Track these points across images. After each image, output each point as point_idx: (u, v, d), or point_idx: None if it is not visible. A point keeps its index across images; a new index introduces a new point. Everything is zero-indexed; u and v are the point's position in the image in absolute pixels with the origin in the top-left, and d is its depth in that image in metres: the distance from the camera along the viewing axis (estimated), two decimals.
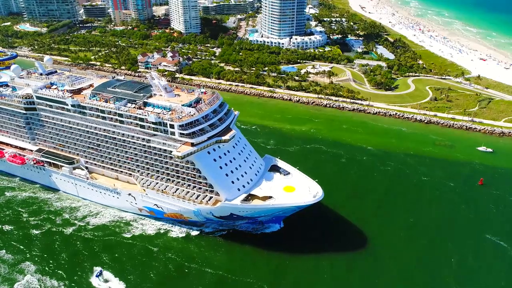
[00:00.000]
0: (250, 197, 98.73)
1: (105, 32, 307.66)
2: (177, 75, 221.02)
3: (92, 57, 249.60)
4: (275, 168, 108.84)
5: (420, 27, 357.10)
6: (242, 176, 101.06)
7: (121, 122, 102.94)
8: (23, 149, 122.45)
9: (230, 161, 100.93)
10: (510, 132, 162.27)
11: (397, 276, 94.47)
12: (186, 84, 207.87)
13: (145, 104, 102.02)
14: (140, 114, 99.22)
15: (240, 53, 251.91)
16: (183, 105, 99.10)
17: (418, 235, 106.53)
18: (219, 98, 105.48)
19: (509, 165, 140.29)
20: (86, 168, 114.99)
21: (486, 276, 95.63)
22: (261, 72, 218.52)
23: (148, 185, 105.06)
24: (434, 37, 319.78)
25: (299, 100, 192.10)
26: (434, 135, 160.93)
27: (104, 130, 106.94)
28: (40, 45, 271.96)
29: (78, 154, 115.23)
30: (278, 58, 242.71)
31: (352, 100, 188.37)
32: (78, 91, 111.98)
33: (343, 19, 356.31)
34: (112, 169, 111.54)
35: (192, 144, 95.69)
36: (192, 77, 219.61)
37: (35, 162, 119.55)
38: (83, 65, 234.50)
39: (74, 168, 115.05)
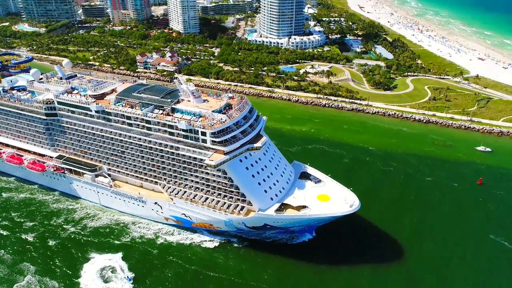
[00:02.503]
0: (283, 206, 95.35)
1: (104, 32, 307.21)
2: (176, 75, 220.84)
3: (91, 57, 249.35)
4: (305, 175, 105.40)
5: (418, 27, 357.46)
6: (274, 184, 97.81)
7: (149, 129, 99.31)
8: (42, 155, 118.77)
9: (262, 169, 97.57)
10: (508, 132, 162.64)
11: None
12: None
13: (173, 110, 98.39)
14: (169, 121, 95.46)
15: (239, 53, 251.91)
16: (213, 111, 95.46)
17: (425, 236, 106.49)
18: (248, 104, 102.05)
19: (507, 165, 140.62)
20: (109, 175, 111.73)
21: (496, 278, 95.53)
22: (260, 72, 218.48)
23: (176, 194, 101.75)
24: (433, 37, 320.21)
25: (298, 100, 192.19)
26: (433, 134, 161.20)
27: (130, 137, 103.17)
28: (38, 45, 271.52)
29: (100, 161, 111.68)
30: (277, 58, 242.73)
31: (351, 100, 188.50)
32: (101, 96, 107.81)
33: (342, 19, 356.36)
34: (137, 177, 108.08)
35: (224, 152, 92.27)
36: (191, 77, 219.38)
37: (55, 169, 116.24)
38: (82, 65, 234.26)
39: (97, 176, 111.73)
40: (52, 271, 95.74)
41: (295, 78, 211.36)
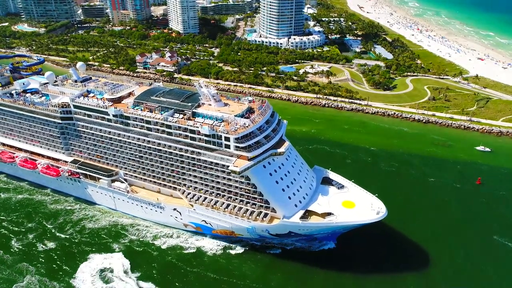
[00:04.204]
0: (307, 213, 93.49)
1: (103, 32, 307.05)
2: (176, 75, 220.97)
3: (91, 58, 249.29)
4: (327, 181, 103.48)
5: (418, 27, 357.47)
6: (298, 190, 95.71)
7: (169, 133, 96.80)
8: (56, 160, 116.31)
9: (285, 175, 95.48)
10: (508, 132, 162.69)
11: None
12: (185, 84, 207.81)
13: (194, 114, 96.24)
14: (191, 126, 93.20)
15: (239, 53, 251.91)
16: (235, 115, 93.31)
17: (431, 237, 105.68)
18: (270, 107, 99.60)
19: (507, 164, 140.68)
20: (125, 180, 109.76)
21: (503, 281, 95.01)
22: (259, 72, 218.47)
23: (196, 200, 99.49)
24: (432, 37, 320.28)
25: (297, 100, 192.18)
26: (433, 134, 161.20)
27: (149, 141, 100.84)
28: (38, 45, 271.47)
29: (117, 166, 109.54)
30: (277, 58, 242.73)
31: (350, 100, 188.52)
32: (118, 100, 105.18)
33: (341, 19, 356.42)
34: (155, 182, 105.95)
35: (248, 158, 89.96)
36: (191, 77, 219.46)
37: (70, 174, 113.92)
38: None
39: (113, 181, 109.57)
40: (51, 271, 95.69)
41: (295, 78, 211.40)
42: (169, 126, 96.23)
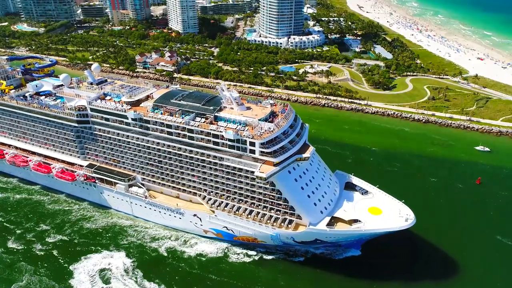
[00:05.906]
0: (333, 220, 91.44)
1: (103, 32, 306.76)
2: (175, 75, 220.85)
3: (90, 57, 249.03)
4: (350, 186, 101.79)
5: (417, 27, 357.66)
6: (323, 196, 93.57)
7: (191, 138, 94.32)
8: (71, 164, 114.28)
9: (310, 181, 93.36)
10: (507, 131, 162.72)
11: None
12: (184, 84, 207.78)
13: (216, 118, 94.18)
14: (214, 130, 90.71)
15: (238, 53, 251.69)
16: (259, 119, 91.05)
17: (431, 237, 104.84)
18: (293, 111, 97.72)
19: (506, 164, 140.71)
20: (143, 185, 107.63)
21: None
22: (259, 72, 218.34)
23: (217, 206, 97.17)
24: (432, 37, 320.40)
25: (297, 100, 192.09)
26: (432, 134, 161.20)
27: (169, 146, 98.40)
28: (37, 45, 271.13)
29: (134, 170, 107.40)
30: (276, 58, 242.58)
31: (350, 100, 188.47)
32: (137, 103, 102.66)
33: (341, 19, 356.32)
34: (174, 187, 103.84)
35: (274, 164, 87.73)
36: (191, 77, 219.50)
37: (85, 178, 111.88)
38: (81, 65, 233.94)
39: (130, 186, 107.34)
40: (50, 271, 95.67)
41: (294, 78, 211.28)
42: (191, 130, 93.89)
